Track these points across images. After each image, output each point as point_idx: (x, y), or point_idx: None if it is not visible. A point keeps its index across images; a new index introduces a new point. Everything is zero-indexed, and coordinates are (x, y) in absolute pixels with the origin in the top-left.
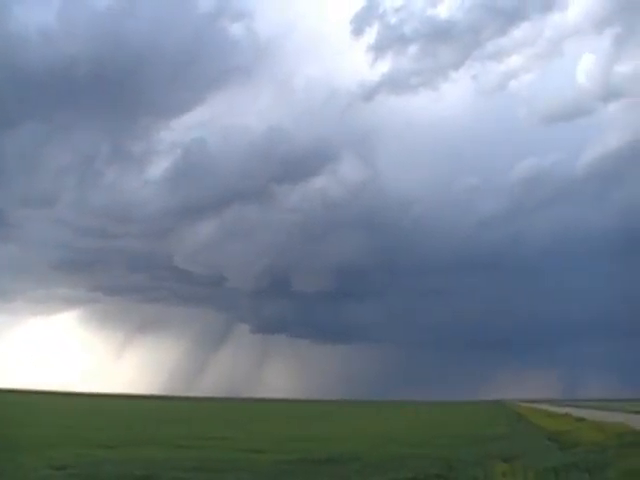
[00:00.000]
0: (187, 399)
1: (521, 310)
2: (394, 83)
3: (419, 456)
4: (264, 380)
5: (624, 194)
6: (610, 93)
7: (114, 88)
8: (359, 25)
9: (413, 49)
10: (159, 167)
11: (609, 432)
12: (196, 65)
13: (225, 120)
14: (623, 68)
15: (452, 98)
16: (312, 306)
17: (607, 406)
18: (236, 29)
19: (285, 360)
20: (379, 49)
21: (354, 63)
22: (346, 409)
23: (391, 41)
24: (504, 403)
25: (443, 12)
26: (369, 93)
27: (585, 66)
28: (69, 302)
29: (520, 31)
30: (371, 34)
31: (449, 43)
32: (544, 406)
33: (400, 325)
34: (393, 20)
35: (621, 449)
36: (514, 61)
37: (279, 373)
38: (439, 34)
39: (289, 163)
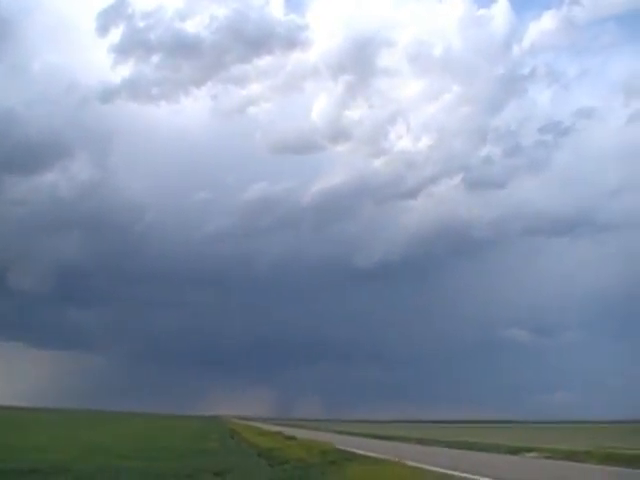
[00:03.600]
0: None
1: (243, 329)
2: (135, 89)
3: (129, 468)
4: None
5: (341, 227)
6: (339, 134)
7: None
8: (105, 22)
9: (156, 58)
10: None
11: (315, 450)
12: None
13: None
14: (352, 114)
15: (192, 114)
16: (29, 307)
17: (316, 426)
18: None
19: None
20: (122, 51)
21: (97, 60)
22: (56, 418)
23: (135, 46)
24: (220, 419)
25: (191, 27)
26: (109, 94)
27: (320, 106)
28: None
29: (263, 62)
30: (116, 34)
31: (193, 59)
32: (258, 424)
33: (122, 334)
34: (141, 24)
35: (324, 466)
36: (255, 89)
37: None
38: (184, 48)
39: (19, 152)
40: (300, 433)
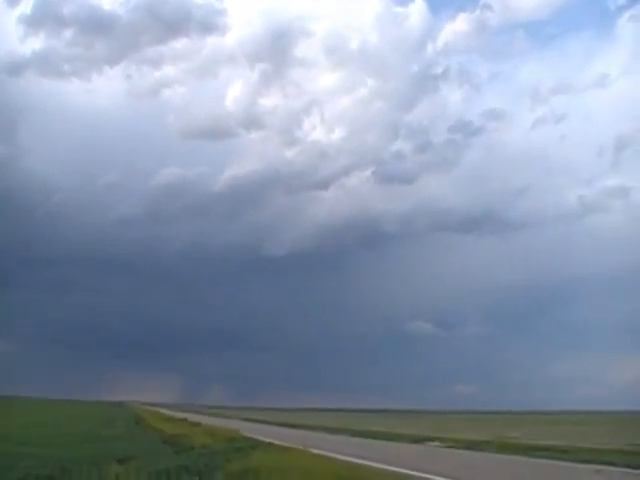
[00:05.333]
0: None
1: (150, 315)
2: (45, 64)
3: (29, 455)
4: None
5: (252, 215)
6: (253, 122)
7: None
8: None
9: (69, 33)
10: None
11: (220, 437)
12: None
13: None
14: (266, 102)
15: (105, 94)
16: None
17: (222, 413)
18: None
19: None
20: (33, 24)
21: (5, 32)
22: None
23: (46, 18)
24: (125, 405)
25: (106, 4)
26: (17, 68)
27: (235, 92)
28: None
29: (179, 44)
30: (27, 4)
31: (107, 37)
32: (164, 410)
33: (26, 319)
34: None
35: (230, 453)
36: (169, 71)
37: None
38: (99, 25)
39: None
40: (206, 420)
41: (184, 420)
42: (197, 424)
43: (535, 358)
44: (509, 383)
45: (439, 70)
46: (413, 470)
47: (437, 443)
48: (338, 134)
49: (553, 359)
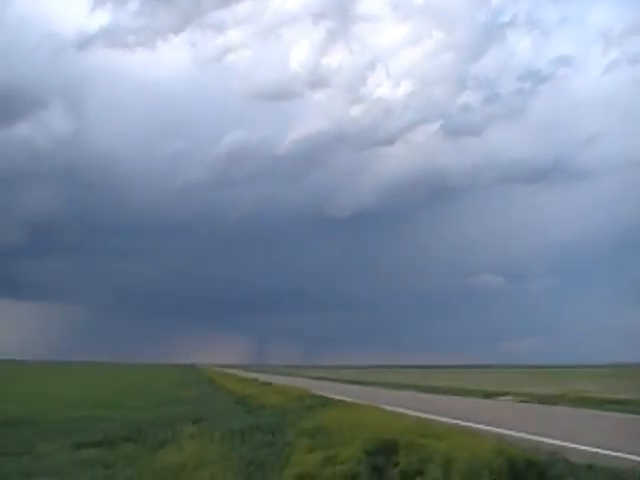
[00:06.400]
0: None
1: (219, 278)
2: (111, 37)
3: (107, 418)
4: None
5: (318, 176)
6: (317, 81)
7: None
8: None
9: (134, 5)
10: None
11: (291, 396)
12: None
13: None
14: (331, 60)
15: (169, 62)
16: (3, 260)
17: (292, 372)
18: None
19: None
20: None
21: (73, 8)
22: (29, 370)
23: None
24: (197, 367)
25: None
26: (85, 42)
27: (299, 52)
28: None
29: (242, 7)
30: None
31: (171, 6)
32: (235, 371)
33: (95, 286)
34: None
35: (301, 411)
36: (233, 36)
37: None
38: None
39: None
40: (276, 380)
41: (255, 380)
42: (268, 384)
43: (606, 310)
44: (580, 336)
45: (506, 18)
46: (487, 425)
47: (509, 397)
48: (404, 89)
49: (624, 311)
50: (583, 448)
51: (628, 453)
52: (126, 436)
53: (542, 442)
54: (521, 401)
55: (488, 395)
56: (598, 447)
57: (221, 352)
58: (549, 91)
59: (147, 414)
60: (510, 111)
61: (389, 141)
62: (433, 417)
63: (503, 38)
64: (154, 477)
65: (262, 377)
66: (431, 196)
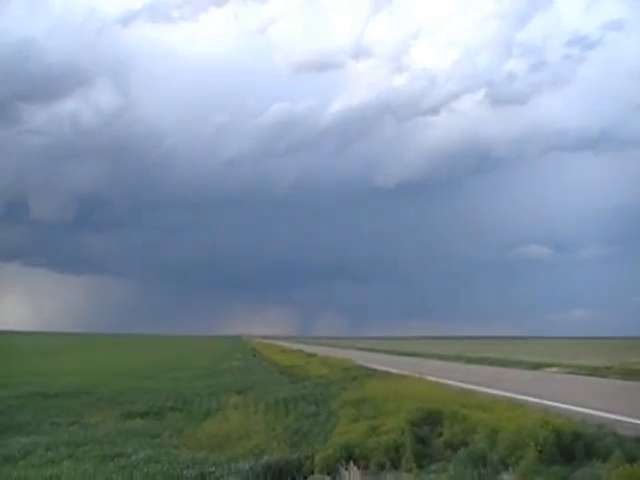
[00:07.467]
0: None
1: (263, 250)
2: (155, 12)
3: (154, 389)
4: None
5: (362, 146)
6: (361, 52)
7: None
8: None
9: None
10: None
11: (336, 367)
12: None
13: None
14: (375, 30)
15: (213, 35)
16: (51, 234)
17: (336, 343)
18: None
19: (18, 289)
20: None
21: None
22: (82, 342)
23: None
24: (242, 339)
25: None
26: (129, 19)
27: (342, 23)
28: None
29: None
30: None
31: None
32: (279, 342)
33: (143, 259)
34: None
35: (345, 382)
36: (276, 7)
37: (11, 302)
38: None
39: (38, 81)
40: (321, 351)
41: (300, 351)
42: (313, 355)
43: None
44: (629, 307)
45: None
46: (533, 397)
47: (555, 369)
48: (448, 58)
49: None
50: (631, 421)
51: None
52: (172, 406)
53: (588, 414)
54: (569, 372)
55: (536, 366)
56: None
57: (266, 324)
58: (597, 57)
59: (193, 384)
60: (557, 79)
61: (434, 111)
62: (478, 388)
63: (550, 3)
64: (199, 447)
65: (307, 348)
66: (477, 165)
